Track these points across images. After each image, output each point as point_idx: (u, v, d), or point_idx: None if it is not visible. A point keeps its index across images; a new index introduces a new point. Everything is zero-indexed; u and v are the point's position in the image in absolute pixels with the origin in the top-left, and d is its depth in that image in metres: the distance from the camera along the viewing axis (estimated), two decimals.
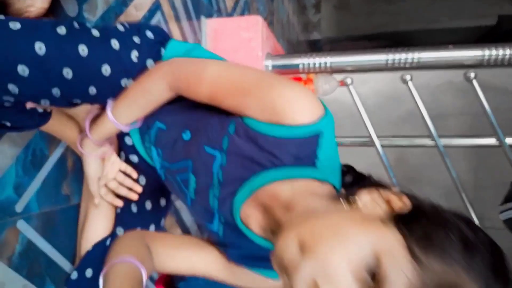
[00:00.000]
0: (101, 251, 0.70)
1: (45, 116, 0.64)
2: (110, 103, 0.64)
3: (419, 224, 0.40)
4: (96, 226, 0.76)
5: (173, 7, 1.26)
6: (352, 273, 0.37)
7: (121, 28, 0.65)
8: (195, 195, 0.61)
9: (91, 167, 0.72)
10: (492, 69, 1.51)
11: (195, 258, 0.67)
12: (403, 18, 4.43)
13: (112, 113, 0.64)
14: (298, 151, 0.51)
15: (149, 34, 0.68)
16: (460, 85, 1.59)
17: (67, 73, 0.54)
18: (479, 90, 1.39)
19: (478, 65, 1.41)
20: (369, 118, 1.48)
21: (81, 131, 0.74)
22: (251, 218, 0.55)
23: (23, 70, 0.50)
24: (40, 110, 0.62)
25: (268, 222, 0.52)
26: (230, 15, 1.78)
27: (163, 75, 0.61)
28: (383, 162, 1.53)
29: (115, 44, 0.61)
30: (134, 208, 0.78)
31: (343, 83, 1.57)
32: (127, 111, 0.64)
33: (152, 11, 1.12)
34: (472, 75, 1.40)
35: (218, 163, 0.56)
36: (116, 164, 0.75)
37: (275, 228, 0.50)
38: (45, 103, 0.56)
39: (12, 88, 0.51)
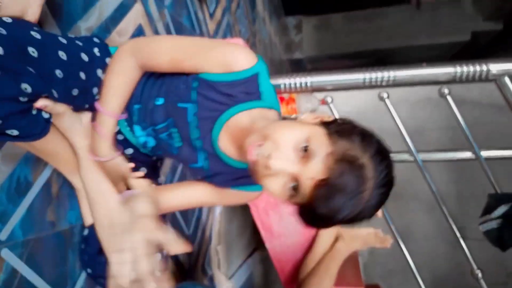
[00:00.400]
0: None
1: (48, 122, 0.65)
2: (97, 104, 0.73)
3: (335, 125, 0.63)
4: None
5: (156, 31, 1.29)
6: (293, 147, 0.59)
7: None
8: (181, 142, 0.76)
9: (124, 164, 0.77)
10: (466, 84, 1.58)
11: (189, 192, 0.83)
12: (383, 36, 4.58)
13: (103, 108, 0.72)
14: (246, 89, 0.70)
15: (96, 50, 0.76)
16: (438, 100, 1.65)
17: (62, 55, 0.62)
18: (453, 105, 1.45)
19: (451, 81, 1.48)
20: None
21: (73, 148, 0.76)
22: (227, 147, 0.73)
23: (32, 51, 0.55)
24: (45, 115, 0.63)
25: (240, 145, 0.68)
26: (212, 37, 1.83)
27: (126, 57, 0.73)
28: None
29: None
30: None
31: (324, 102, 1.62)
32: (113, 99, 0.73)
33: (135, 36, 1.15)
34: (446, 91, 1.46)
35: (192, 112, 0.72)
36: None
37: (242, 148, 0.66)
38: (54, 94, 0.60)
39: (30, 70, 0.54)
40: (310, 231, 1.73)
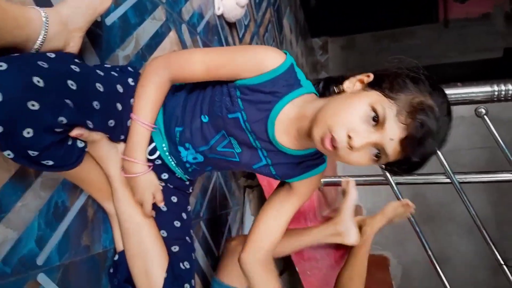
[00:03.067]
0: None
1: (83, 151, 0.67)
2: (132, 114, 0.75)
3: (383, 82, 0.67)
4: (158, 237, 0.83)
5: None
6: (364, 120, 0.63)
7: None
8: (240, 148, 0.80)
9: (154, 179, 0.78)
10: (504, 102, 1.51)
11: (278, 217, 0.88)
12: (411, 55, 4.49)
13: (137, 117, 0.74)
14: (287, 81, 0.73)
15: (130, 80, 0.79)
16: (472, 120, 1.59)
17: (99, 87, 0.64)
18: (491, 125, 1.40)
19: (488, 100, 1.42)
20: None
21: (108, 177, 0.78)
22: (284, 140, 0.76)
23: (71, 84, 0.57)
24: (79, 145, 0.65)
25: (297, 134, 0.74)
26: None
27: (158, 69, 0.75)
28: (399, 200, 1.51)
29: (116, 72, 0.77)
30: (163, 208, 0.86)
31: None
32: (145, 109, 0.74)
33: None
34: (482, 111, 1.41)
35: (243, 120, 0.74)
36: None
37: (302, 135, 0.73)
38: (89, 124, 0.62)
39: (68, 102, 0.56)
40: (341, 254, 1.68)
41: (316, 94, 0.77)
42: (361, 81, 0.70)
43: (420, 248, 1.50)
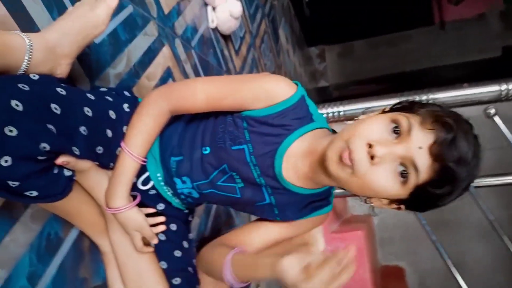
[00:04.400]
0: None
1: (71, 180, 0.62)
2: (123, 144, 0.69)
3: (400, 106, 0.65)
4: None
5: (183, 72, 1.28)
6: (386, 131, 0.59)
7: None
8: (243, 183, 0.73)
9: (140, 215, 0.72)
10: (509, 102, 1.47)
11: (264, 233, 0.80)
12: (409, 59, 4.49)
13: (127, 149, 0.68)
14: (297, 114, 0.68)
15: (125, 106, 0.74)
16: (480, 120, 1.55)
17: (87, 111, 0.59)
18: (502, 126, 1.35)
19: (496, 100, 1.38)
20: None
21: (101, 207, 0.72)
22: (291, 177, 0.70)
23: (55, 108, 0.52)
24: (67, 173, 0.60)
25: (306, 170, 0.69)
26: (239, 73, 1.82)
27: (157, 99, 0.71)
28: None
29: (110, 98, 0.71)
30: (162, 237, 0.79)
31: None
32: (137, 140, 0.69)
33: (164, 79, 1.14)
34: (492, 111, 1.36)
35: (248, 152, 0.69)
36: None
37: (313, 169, 0.68)
38: (75, 151, 0.57)
39: (50, 128, 0.51)
40: (357, 271, 1.61)
41: (329, 130, 0.73)
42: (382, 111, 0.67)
43: (435, 255, 1.45)
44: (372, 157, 0.56)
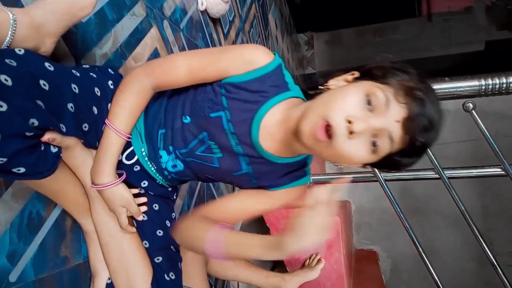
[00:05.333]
0: None
1: (57, 157, 0.62)
2: (107, 121, 0.69)
3: (372, 72, 0.66)
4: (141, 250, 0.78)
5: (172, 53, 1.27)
6: (360, 106, 0.60)
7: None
8: (221, 153, 0.74)
9: (124, 192, 0.72)
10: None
11: (243, 202, 0.80)
12: (394, 49, 4.53)
13: (112, 126, 0.68)
14: (274, 82, 0.70)
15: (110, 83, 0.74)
16: (457, 113, 1.59)
17: (75, 88, 0.59)
18: (479, 121, 1.39)
19: (475, 95, 1.41)
20: None
21: (85, 187, 0.73)
22: (269, 145, 0.71)
23: (44, 84, 0.52)
24: (53, 150, 0.60)
25: (282, 138, 0.70)
26: None
27: (140, 76, 0.71)
28: (388, 195, 1.50)
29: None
30: (145, 217, 0.80)
31: None
32: (121, 117, 0.69)
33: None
34: (470, 105, 1.40)
35: (225, 119, 0.70)
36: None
37: (289, 137, 0.68)
38: (62, 128, 0.56)
39: (39, 104, 0.51)
40: (333, 255, 1.66)
41: (303, 99, 0.73)
42: (347, 80, 0.68)
43: (409, 241, 1.50)
44: (350, 132, 0.59)
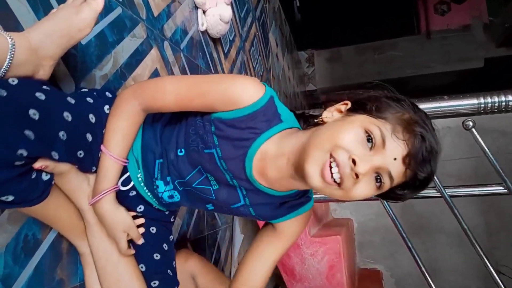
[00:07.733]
0: None
1: (49, 185, 0.62)
2: (103, 147, 0.69)
3: (366, 105, 0.65)
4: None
5: (171, 75, 1.28)
6: (361, 143, 0.60)
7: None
8: (218, 185, 0.74)
9: (129, 216, 0.73)
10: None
11: (264, 260, 0.81)
12: (394, 66, 4.57)
13: (107, 152, 0.68)
14: (266, 116, 0.68)
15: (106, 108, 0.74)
16: (458, 130, 1.59)
17: (67, 116, 0.58)
18: (479, 139, 1.38)
19: (474, 113, 1.41)
20: None
21: (80, 211, 0.72)
22: (263, 179, 0.70)
23: (34, 113, 0.51)
24: (45, 177, 0.59)
25: (275, 175, 0.69)
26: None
27: (129, 99, 0.70)
28: (389, 213, 1.49)
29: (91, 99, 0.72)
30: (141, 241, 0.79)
31: None
32: (115, 142, 0.69)
33: None
34: (470, 124, 1.40)
35: (217, 156, 0.69)
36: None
37: (284, 174, 0.68)
38: (54, 156, 0.56)
39: (28, 134, 0.50)
40: (333, 273, 1.63)
41: (298, 128, 0.73)
42: (339, 110, 0.68)
43: (412, 260, 1.47)
44: (356, 176, 0.59)
